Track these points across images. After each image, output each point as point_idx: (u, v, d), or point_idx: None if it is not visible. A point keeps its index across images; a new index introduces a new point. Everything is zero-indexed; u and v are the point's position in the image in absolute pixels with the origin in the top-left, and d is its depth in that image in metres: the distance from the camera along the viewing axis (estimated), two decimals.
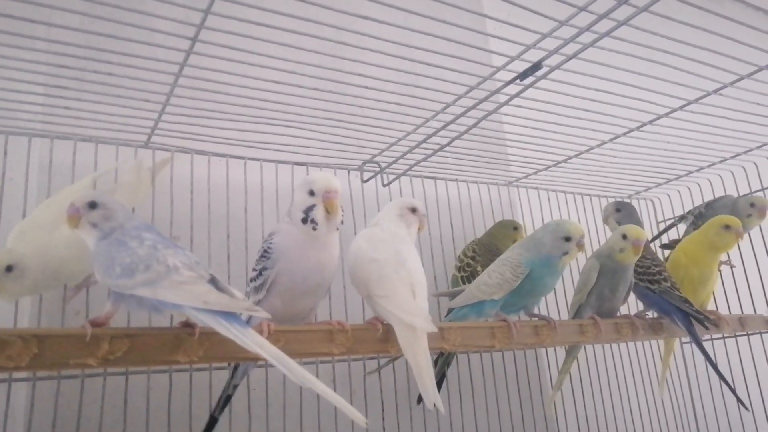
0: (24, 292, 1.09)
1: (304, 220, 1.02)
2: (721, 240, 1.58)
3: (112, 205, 0.93)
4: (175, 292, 0.83)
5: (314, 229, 1.02)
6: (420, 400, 1.57)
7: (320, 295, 1.10)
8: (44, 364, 0.81)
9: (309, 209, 1.03)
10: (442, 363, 1.53)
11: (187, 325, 0.90)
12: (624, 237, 1.40)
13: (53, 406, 1.17)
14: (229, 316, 0.83)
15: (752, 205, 1.77)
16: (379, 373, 1.49)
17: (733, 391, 1.51)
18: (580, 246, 1.27)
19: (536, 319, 1.33)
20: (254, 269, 1.08)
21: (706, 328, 1.47)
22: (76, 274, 1.14)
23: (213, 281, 0.87)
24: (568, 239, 1.27)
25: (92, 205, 0.91)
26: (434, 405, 0.95)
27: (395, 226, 1.17)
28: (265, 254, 1.06)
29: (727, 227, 1.57)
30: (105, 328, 0.85)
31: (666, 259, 1.74)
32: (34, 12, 0.94)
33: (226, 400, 1.23)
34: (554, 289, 1.39)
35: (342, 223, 1.06)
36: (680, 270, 1.61)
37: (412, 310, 1.02)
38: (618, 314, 1.50)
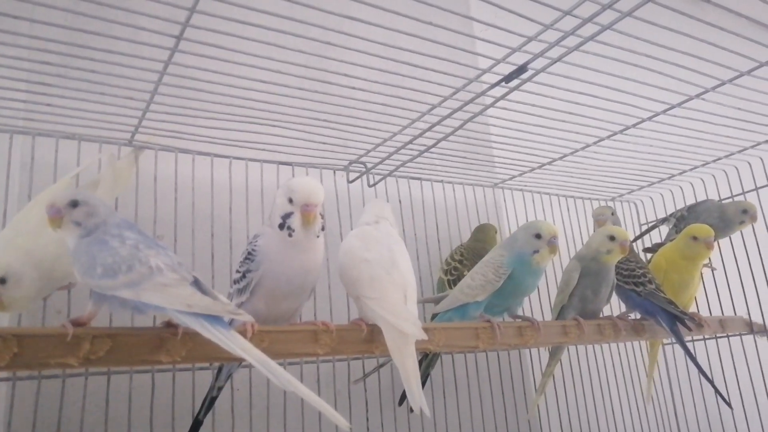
0: (23, 302, 1.05)
1: (281, 226, 1.02)
2: (691, 250, 1.60)
3: (94, 201, 0.91)
4: (158, 295, 0.82)
5: (290, 235, 1.01)
6: (402, 401, 1.58)
7: (304, 298, 1.10)
8: (24, 364, 0.80)
9: (287, 216, 1.02)
10: (426, 365, 1.53)
11: (170, 325, 0.90)
12: (612, 238, 1.42)
13: (33, 406, 1.15)
14: (213, 318, 0.82)
15: (745, 211, 1.78)
16: (363, 374, 1.49)
17: (715, 388, 1.53)
18: (552, 246, 1.28)
19: (520, 320, 1.34)
20: (238, 271, 1.07)
21: (689, 328, 1.48)
22: (72, 272, 1.12)
23: (196, 283, 0.87)
24: (538, 236, 1.28)
25: (74, 204, 0.89)
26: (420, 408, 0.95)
27: (391, 226, 1.18)
28: (249, 256, 1.05)
29: (695, 238, 1.58)
30: (86, 327, 0.85)
31: (648, 263, 1.76)
32: (17, 8, 0.93)
33: (210, 402, 1.22)
34: (537, 288, 1.40)
35: (323, 229, 1.06)
36: (660, 274, 1.63)
37: (404, 314, 1.02)
38: (601, 315, 1.51)
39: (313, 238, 1.04)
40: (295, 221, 1.01)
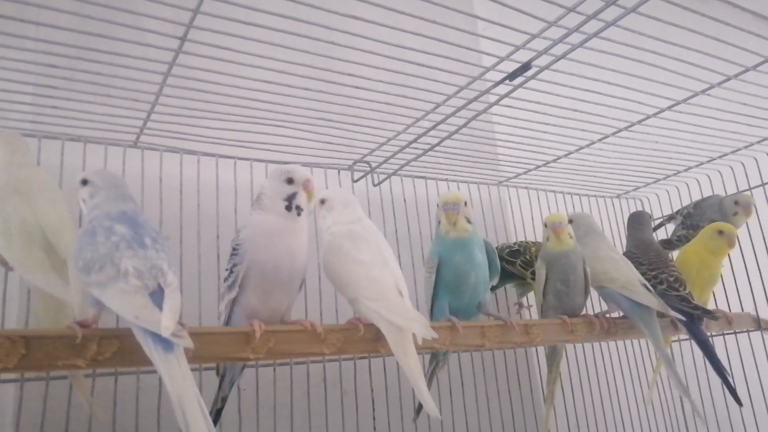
0: None
1: (288, 207, 1.05)
2: (715, 244, 1.64)
3: (100, 183, 0.95)
4: (116, 300, 0.80)
5: (299, 214, 1.06)
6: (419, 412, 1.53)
7: (294, 290, 1.10)
8: (32, 365, 0.81)
9: (291, 197, 1.06)
10: (434, 367, 1.51)
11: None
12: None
13: (41, 407, 1.16)
14: (157, 335, 0.78)
15: (737, 203, 1.80)
16: (370, 373, 1.49)
17: (728, 384, 1.52)
18: (447, 212, 1.29)
19: (493, 318, 1.31)
20: (226, 269, 1.08)
21: (716, 318, 1.48)
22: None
23: (156, 294, 0.82)
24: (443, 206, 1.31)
25: (84, 182, 0.96)
26: (424, 409, 0.97)
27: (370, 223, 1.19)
28: (234, 251, 1.06)
29: (721, 232, 1.64)
30: (94, 328, 0.85)
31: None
32: (23, 11, 0.94)
33: (217, 414, 1.19)
34: (484, 266, 1.34)
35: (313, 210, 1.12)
36: (692, 270, 1.64)
37: (410, 315, 1.02)
38: (584, 312, 1.49)
39: (297, 218, 1.07)
40: (302, 199, 1.07)
